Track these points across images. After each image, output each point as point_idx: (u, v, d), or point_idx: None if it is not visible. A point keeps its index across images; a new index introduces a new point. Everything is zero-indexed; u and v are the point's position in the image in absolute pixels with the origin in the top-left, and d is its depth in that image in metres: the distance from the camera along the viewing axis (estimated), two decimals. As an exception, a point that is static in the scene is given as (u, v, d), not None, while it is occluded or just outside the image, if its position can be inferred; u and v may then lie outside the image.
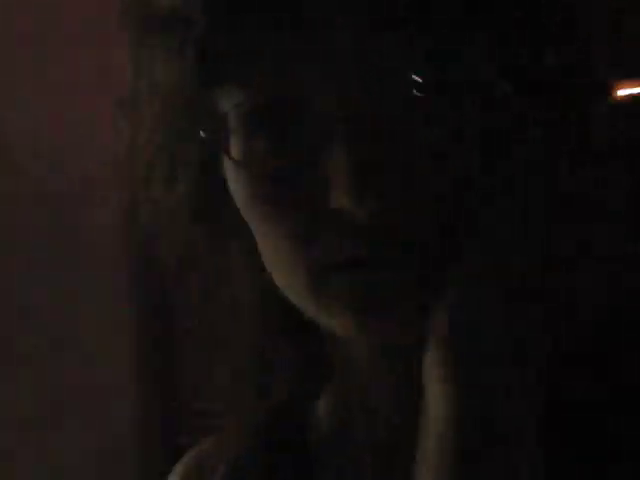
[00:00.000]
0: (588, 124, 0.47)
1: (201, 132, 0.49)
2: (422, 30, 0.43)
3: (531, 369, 0.43)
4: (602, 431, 0.46)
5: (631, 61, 0.49)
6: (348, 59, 0.43)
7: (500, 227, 0.45)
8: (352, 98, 0.44)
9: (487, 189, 0.45)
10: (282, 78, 0.45)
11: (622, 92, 0.47)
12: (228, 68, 0.46)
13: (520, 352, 0.43)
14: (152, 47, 0.50)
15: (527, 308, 0.44)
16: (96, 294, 1.72)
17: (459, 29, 0.43)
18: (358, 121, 0.43)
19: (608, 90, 0.46)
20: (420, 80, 0.43)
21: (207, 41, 0.45)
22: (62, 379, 1.68)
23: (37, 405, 1.67)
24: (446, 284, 0.44)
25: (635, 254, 0.47)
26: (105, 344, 1.71)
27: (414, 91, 0.43)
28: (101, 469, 1.68)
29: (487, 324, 0.43)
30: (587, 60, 0.47)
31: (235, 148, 0.47)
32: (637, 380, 0.46)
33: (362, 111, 0.44)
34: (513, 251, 0.44)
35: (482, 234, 0.45)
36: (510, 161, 0.46)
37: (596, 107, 0.47)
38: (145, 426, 1.76)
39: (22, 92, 1.68)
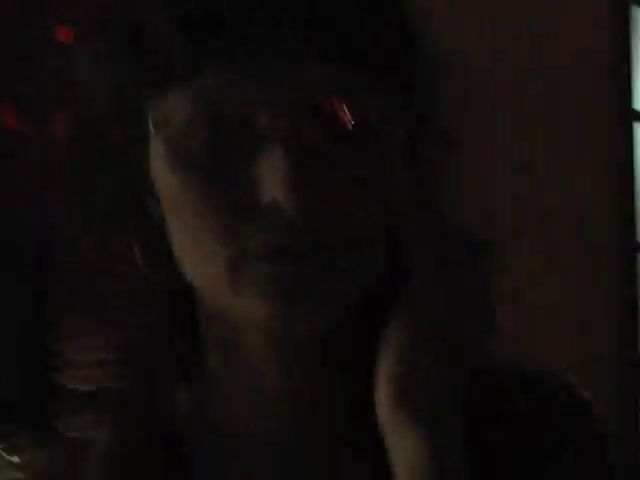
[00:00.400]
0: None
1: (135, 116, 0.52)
2: (344, 65, 0.49)
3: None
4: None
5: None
6: (283, 78, 0.48)
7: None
8: (286, 108, 0.48)
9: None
10: (224, 91, 0.49)
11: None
12: (177, 74, 0.49)
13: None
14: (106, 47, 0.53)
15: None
16: None
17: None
18: (295, 126, 0.48)
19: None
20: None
21: (162, 48, 0.49)
22: None
23: None
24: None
25: None
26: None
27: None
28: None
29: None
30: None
31: (172, 140, 0.51)
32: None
33: (297, 119, 0.48)
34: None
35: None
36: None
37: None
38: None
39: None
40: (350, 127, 0.49)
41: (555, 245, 2.07)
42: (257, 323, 0.52)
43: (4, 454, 0.60)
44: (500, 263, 0.52)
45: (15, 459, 0.60)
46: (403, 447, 0.50)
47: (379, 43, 0.50)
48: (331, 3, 0.49)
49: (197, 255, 0.52)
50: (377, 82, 0.50)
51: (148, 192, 0.54)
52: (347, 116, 0.49)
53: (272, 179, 0.48)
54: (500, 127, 2.02)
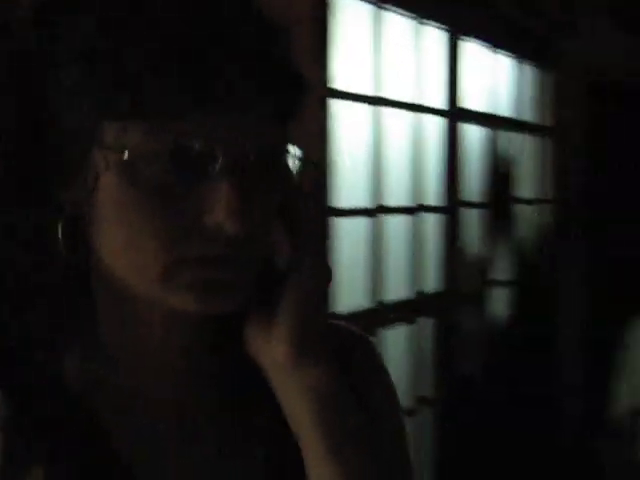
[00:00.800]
0: None
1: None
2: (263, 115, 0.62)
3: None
4: None
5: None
6: (238, 125, 0.60)
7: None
8: (236, 146, 0.59)
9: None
10: (195, 132, 0.59)
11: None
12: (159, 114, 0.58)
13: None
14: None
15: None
16: None
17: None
18: (239, 164, 0.59)
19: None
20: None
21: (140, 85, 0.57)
22: None
23: None
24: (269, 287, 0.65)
25: None
26: None
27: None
28: None
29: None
30: None
31: (125, 160, 0.58)
32: None
33: (243, 158, 0.60)
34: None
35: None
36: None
37: None
38: None
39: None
40: (272, 160, 0.62)
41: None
42: (177, 310, 0.63)
43: None
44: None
45: None
46: (304, 384, 0.64)
47: (297, 100, 0.65)
48: (269, 76, 0.61)
49: (133, 255, 0.61)
50: (286, 123, 0.64)
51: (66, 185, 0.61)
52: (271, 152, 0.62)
53: (218, 206, 0.59)
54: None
